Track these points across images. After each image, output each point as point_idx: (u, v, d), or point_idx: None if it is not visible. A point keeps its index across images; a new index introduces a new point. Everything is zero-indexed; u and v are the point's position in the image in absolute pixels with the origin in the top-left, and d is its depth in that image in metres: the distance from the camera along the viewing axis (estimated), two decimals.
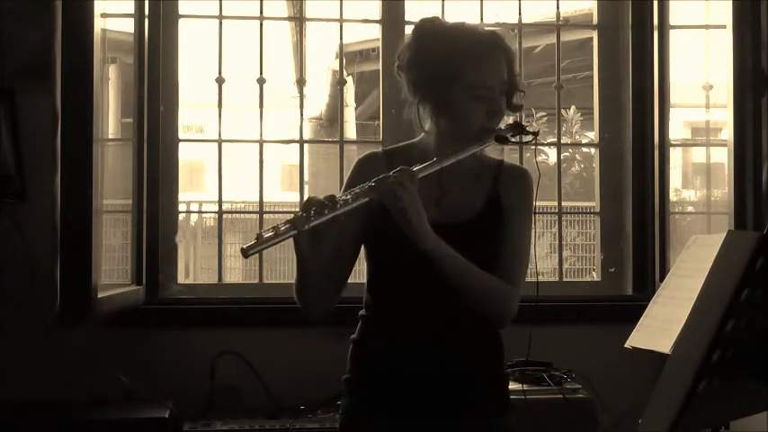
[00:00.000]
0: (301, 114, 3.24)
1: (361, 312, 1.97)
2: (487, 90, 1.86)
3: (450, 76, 1.84)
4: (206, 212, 9.60)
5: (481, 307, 1.87)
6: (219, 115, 3.17)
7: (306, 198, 1.73)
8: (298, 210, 1.60)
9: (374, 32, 3.37)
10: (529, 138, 1.92)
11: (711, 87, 3.18)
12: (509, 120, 1.96)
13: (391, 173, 1.75)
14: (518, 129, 1.90)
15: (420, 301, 1.87)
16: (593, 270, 3.95)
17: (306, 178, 3.21)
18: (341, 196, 1.73)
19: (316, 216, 1.67)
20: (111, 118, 2.93)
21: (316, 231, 1.69)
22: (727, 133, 2.96)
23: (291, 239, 1.71)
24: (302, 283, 1.84)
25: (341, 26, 3.24)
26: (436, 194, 1.88)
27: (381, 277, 1.94)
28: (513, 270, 1.90)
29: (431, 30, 1.92)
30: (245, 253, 1.62)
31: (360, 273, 2.00)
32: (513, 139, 1.91)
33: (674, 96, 3.15)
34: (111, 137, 2.94)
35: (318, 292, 1.88)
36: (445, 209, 1.87)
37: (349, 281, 1.96)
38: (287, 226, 1.66)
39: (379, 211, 1.77)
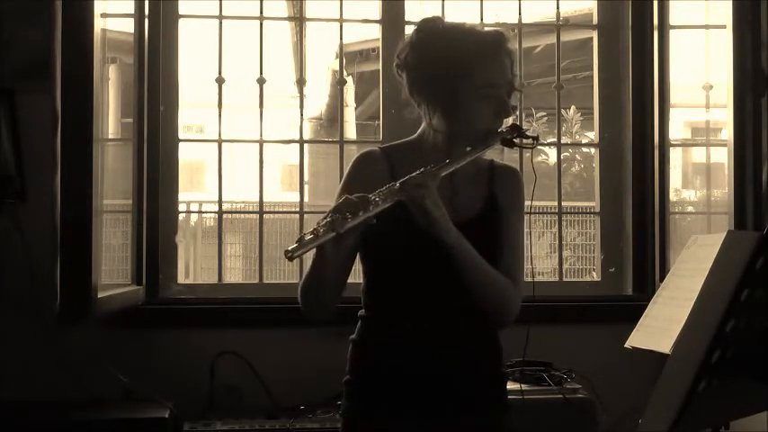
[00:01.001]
0: (301, 114, 3.24)
1: (361, 313, 1.97)
2: (495, 89, 1.87)
3: (457, 77, 1.84)
4: (206, 212, 9.60)
5: (490, 304, 1.87)
6: (219, 115, 3.17)
7: (342, 199, 1.72)
8: (297, 209, 1.60)
9: (374, 32, 3.37)
10: (530, 142, 1.95)
11: (711, 87, 3.18)
12: (508, 120, 1.97)
13: (415, 173, 1.75)
14: (517, 130, 1.90)
15: (420, 302, 1.87)
16: (593, 270, 3.95)
17: (306, 178, 3.22)
18: (372, 197, 1.72)
19: (352, 218, 1.68)
20: (111, 118, 2.93)
21: (345, 234, 1.69)
22: (727, 133, 2.96)
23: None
24: (318, 284, 1.83)
25: (341, 26, 3.24)
26: (447, 194, 1.87)
27: (380, 278, 1.94)
28: (514, 269, 1.92)
29: (434, 29, 1.92)
30: (290, 255, 1.63)
31: (360, 273, 2.00)
32: (516, 142, 1.92)
33: (674, 96, 3.15)
34: (111, 137, 2.94)
35: (332, 293, 1.88)
36: (454, 208, 1.87)
37: (350, 281, 1.96)
38: (326, 228, 1.67)
39: (379, 214, 1.77)
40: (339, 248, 1.73)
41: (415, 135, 1.99)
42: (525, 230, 2.03)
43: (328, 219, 1.68)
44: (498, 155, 2.06)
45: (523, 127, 1.95)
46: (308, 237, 1.67)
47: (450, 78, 1.85)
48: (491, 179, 1.97)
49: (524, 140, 1.94)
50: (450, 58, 1.86)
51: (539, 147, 2.08)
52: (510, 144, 1.91)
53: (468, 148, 1.87)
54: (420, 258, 1.83)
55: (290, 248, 1.64)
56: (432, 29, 1.92)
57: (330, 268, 1.79)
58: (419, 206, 1.73)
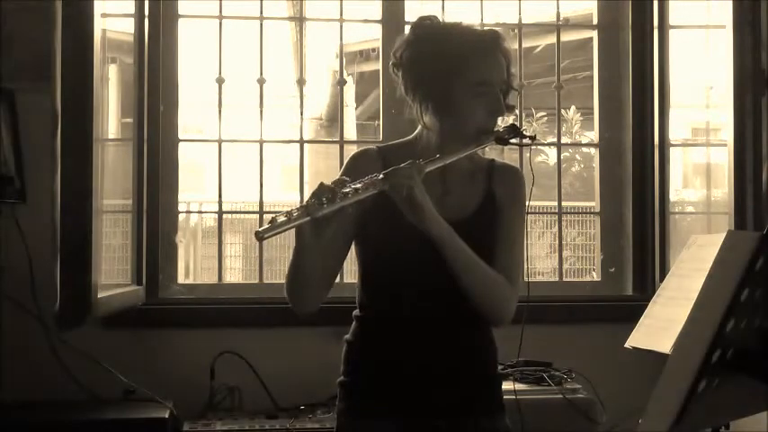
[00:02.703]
0: (301, 114, 3.24)
1: (356, 312, 1.97)
2: (489, 87, 1.86)
3: (452, 74, 1.84)
4: (206, 212, 9.58)
5: (483, 301, 1.85)
6: (219, 115, 3.17)
7: (319, 185, 1.67)
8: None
9: (374, 32, 3.37)
10: (527, 141, 1.94)
11: (711, 87, 3.18)
12: (508, 119, 1.96)
13: (401, 165, 1.73)
14: (515, 130, 1.90)
15: (414, 302, 1.87)
16: (593, 270, 3.95)
17: (306, 178, 3.21)
18: (352, 185, 1.69)
19: (329, 204, 1.65)
20: (112, 118, 2.93)
21: (321, 220, 1.66)
22: (727, 133, 2.96)
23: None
24: (298, 275, 1.81)
25: (341, 26, 3.24)
26: (437, 192, 1.88)
27: (375, 278, 1.94)
28: (511, 268, 1.91)
29: (430, 28, 1.92)
30: (260, 236, 1.60)
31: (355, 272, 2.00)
32: (512, 141, 1.91)
33: (674, 96, 3.15)
34: (111, 137, 2.94)
35: (312, 286, 1.85)
36: (444, 206, 1.86)
37: (348, 280, 1.96)
38: (300, 212, 1.63)
39: (372, 209, 1.77)
40: (318, 236, 1.69)
41: (412, 135, 1.98)
42: (525, 230, 2.02)
43: (304, 204, 1.66)
44: (498, 155, 2.06)
45: (523, 127, 1.95)
46: (281, 219, 1.62)
47: (444, 75, 1.85)
48: (490, 177, 1.96)
49: (521, 140, 1.93)
50: (445, 56, 1.85)
51: (539, 147, 2.08)
52: (505, 142, 1.90)
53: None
54: (415, 257, 1.82)
55: (260, 229, 1.61)
56: (428, 27, 1.92)
57: (309, 256, 1.76)
58: (405, 197, 1.70)
